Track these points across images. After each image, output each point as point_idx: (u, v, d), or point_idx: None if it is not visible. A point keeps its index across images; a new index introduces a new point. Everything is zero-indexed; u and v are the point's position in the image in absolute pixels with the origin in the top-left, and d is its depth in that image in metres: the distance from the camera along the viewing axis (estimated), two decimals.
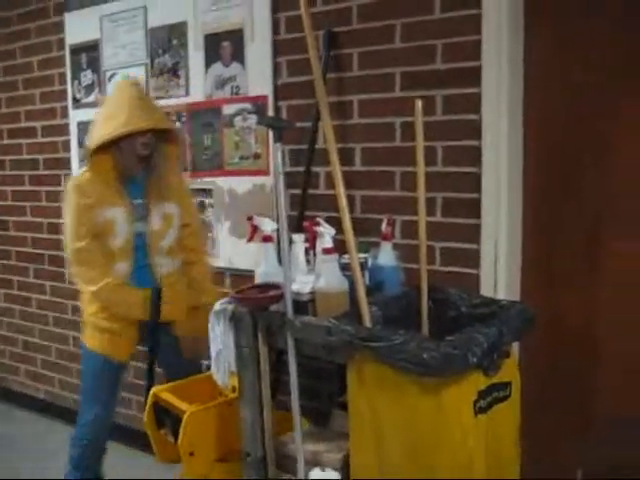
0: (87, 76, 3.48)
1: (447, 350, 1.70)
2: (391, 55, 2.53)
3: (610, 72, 2.22)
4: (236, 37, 2.91)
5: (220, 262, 3.07)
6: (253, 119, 2.89)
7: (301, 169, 2.71)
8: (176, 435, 2.35)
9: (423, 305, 2.11)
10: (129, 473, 3.12)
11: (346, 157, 2.64)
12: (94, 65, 3.45)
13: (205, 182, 3.10)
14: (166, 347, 2.66)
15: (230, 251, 3.03)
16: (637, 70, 2.18)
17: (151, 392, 2.51)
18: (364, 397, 1.89)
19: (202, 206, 3.12)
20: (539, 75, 2.35)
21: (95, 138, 2.47)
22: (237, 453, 2.31)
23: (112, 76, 3.37)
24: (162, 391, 2.50)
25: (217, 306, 2.23)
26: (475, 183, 2.38)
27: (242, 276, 2.87)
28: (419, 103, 2.01)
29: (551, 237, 2.40)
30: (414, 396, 1.79)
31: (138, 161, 2.53)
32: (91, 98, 3.49)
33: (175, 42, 3.13)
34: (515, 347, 2.21)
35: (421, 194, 2.03)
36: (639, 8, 2.16)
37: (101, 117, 2.53)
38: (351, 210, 2.56)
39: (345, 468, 2.06)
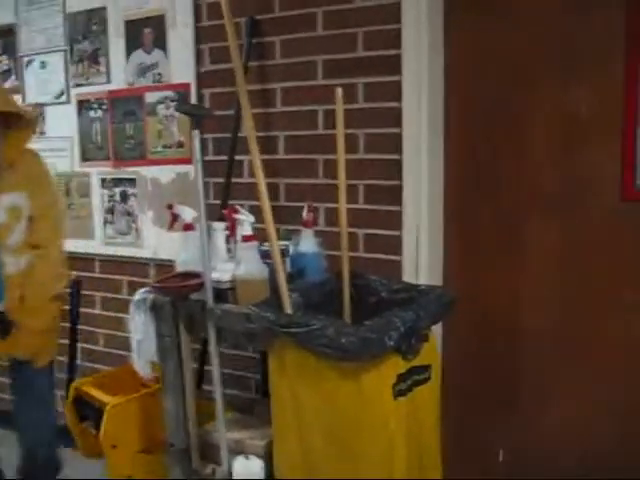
0: (3, 62, 3.37)
1: (364, 334, 1.72)
2: (313, 43, 2.53)
3: (530, 60, 2.28)
4: (157, 23, 2.86)
5: (144, 252, 3.03)
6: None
7: (225, 157, 2.69)
8: (98, 428, 2.31)
9: (345, 291, 2.12)
10: None
11: (270, 145, 2.64)
12: (10, 50, 3.33)
13: (128, 172, 3.04)
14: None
15: (154, 241, 2.99)
16: (555, 58, 2.24)
17: (72, 385, 2.47)
18: (285, 383, 1.90)
19: (124, 196, 3.06)
20: (459, 63, 2.39)
21: None
22: (161, 444, 2.29)
23: (29, 62, 3.27)
24: (84, 384, 2.46)
25: (137, 295, 2.20)
26: (396, 170, 2.40)
27: (166, 266, 2.83)
28: (339, 91, 2.02)
29: (472, 222, 2.45)
30: (334, 381, 1.81)
31: None
32: (7, 84, 3.36)
33: (95, 28, 3.05)
34: (436, 331, 2.25)
35: (342, 182, 2.04)
36: None
37: None
38: (275, 198, 2.58)
39: (269, 455, 2.07)
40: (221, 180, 2.71)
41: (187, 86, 2.81)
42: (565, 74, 2.23)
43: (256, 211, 2.20)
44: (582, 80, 2.20)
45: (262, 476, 2.05)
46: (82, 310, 2.82)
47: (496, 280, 2.43)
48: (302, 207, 2.42)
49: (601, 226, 2.23)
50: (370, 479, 1.85)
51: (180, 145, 2.87)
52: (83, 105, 3.14)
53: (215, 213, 2.48)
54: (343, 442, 1.84)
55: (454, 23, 2.38)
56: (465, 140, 2.42)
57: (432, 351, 2.06)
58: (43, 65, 3.24)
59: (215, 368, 2.07)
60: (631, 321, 2.21)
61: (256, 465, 2.05)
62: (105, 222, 3.15)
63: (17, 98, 3.31)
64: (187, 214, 2.23)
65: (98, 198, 3.15)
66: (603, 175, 2.21)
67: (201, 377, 2.61)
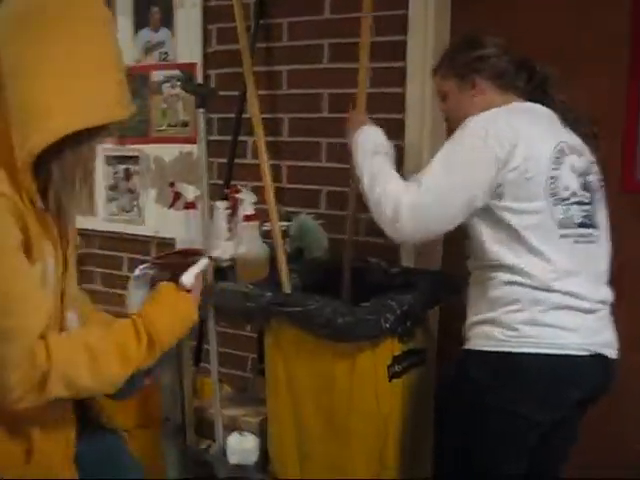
0: None
1: (361, 315, 1.74)
2: (320, 26, 2.53)
3: (534, 54, 2.28)
4: (165, 2, 2.86)
5: (145, 230, 3.05)
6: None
7: (228, 138, 2.69)
8: None
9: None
10: None
11: (274, 127, 2.65)
12: None
13: (131, 149, 3.05)
14: None
15: (156, 219, 3.01)
16: (559, 54, 2.24)
17: None
18: (281, 361, 1.92)
19: (127, 173, 3.08)
20: None
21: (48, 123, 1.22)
22: (157, 419, 2.31)
23: None
24: None
25: (137, 271, 2.22)
26: (399, 156, 2.40)
27: (167, 244, 2.85)
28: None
29: None
30: (329, 360, 1.84)
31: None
32: None
33: None
34: (433, 316, 2.27)
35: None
36: None
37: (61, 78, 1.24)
38: (277, 180, 2.60)
39: (262, 432, 2.10)
40: (224, 160, 2.72)
41: (193, 66, 2.82)
42: (569, 70, 2.23)
43: (258, 192, 2.22)
44: (585, 78, 2.20)
45: (256, 452, 2.08)
46: (82, 286, 2.84)
47: None
48: (303, 189, 2.45)
49: None
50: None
51: (184, 124, 2.88)
52: None
53: (217, 193, 2.49)
54: (337, 421, 1.87)
55: (461, 10, 2.38)
56: None
57: (428, 335, 2.09)
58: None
59: (212, 345, 2.09)
60: None
61: (250, 441, 2.08)
62: (108, 199, 3.16)
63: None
64: (189, 192, 2.25)
65: (101, 175, 3.17)
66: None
67: (198, 355, 2.63)
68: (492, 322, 1.62)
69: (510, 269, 1.60)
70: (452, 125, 1.79)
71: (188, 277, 1.50)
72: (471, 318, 1.70)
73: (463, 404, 1.67)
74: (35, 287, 1.24)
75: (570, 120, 1.73)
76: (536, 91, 1.78)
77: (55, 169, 1.26)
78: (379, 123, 2.31)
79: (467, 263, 1.76)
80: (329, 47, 2.52)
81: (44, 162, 1.24)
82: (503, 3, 2.32)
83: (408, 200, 1.62)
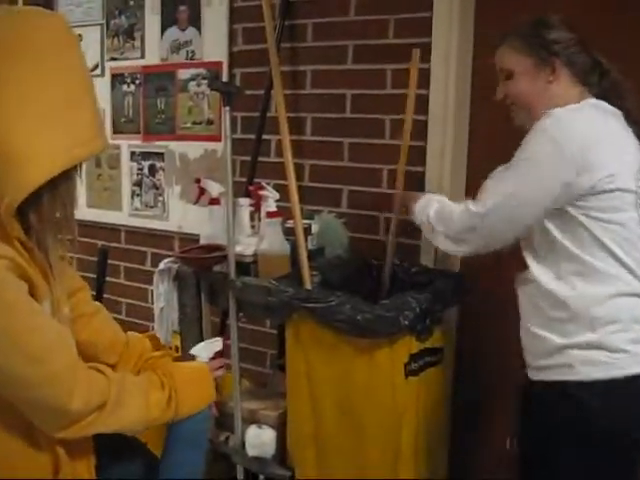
0: None
1: (380, 312, 1.77)
2: (345, 27, 2.56)
3: None
4: (193, 1, 2.91)
5: (169, 226, 3.09)
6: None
7: (252, 136, 2.73)
8: None
9: (386, 271, 2.18)
10: None
11: (297, 126, 2.67)
12: None
13: (157, 146, 3.10)
14: None
15: (180, 215, 3.05)
16: None
17: None
18: (301, 356, 1.96)
19: (153, 169, 3.13)
20: (488, 51, 2.40)
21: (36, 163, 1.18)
22: None
23: None
24: None
25: (162, 265, 2.26)
26: (421, 156, 2.44)
27: (190, 240, 2.90)
28: (417, 52, 2.11)
29: None
30: (348, 356, 1.87)
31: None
32: None
33: (132, 3, 3.11)
34: (452, 316, 2.29)
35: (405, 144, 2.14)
36: None
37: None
38: (300, 178, 2.63)
39: (281, 426, 2.13)
40: (247, 158, 2.75)
41: (219, 64, 2.86)
42: None
43: (280, 190, 2.25)
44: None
45: (273, 445, 2.12)
46: (107, 279, 2.89)
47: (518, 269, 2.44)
48: (325, 188, 2.47)
49: None
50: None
51: (209, 122, 2.92)
52: (117, 79, 3.21)
53: (240, 190, 2.53)
54: (354, 415, 1.91)
55: (485, 16, 2.39)
56: (488, 128, 2.43)
57: (446, 334, 2.11)
58: (80, 38, 3.30)
59: (233, 337, 2.13)
60: None
61: (268, 434, 2.12)
62: (133, 194, 3.22)
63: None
64: (214, 189, 2.29)
65: (127, 170, 3.22)
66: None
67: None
68: (593, 345, 1.50)
69: (602, 280, 1.50)
70: (518, 112, 1.70)
71: (200, 351, 1.63)
72: (554, 341, 1.54)
73: (575, 440, 1.52)
74: (52, 323, 1.27)
75: (632, 127, 1.63)
76: (604, 95, 1.64)
77: (33, 218, 1.22)
78: (402, 123, 2.36)
79: (531, 272, 1.62)
80: (353, 48, 2.55)
81: (24, 210, 1.20)
82: (528, 5, 2.33)
83: (476, 216, 1.62)
